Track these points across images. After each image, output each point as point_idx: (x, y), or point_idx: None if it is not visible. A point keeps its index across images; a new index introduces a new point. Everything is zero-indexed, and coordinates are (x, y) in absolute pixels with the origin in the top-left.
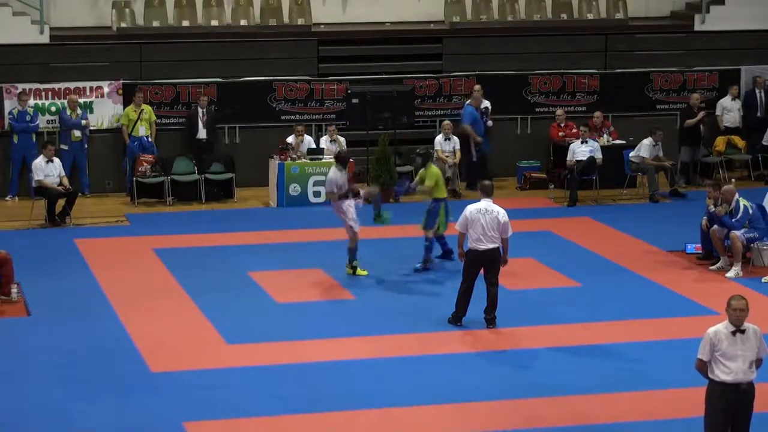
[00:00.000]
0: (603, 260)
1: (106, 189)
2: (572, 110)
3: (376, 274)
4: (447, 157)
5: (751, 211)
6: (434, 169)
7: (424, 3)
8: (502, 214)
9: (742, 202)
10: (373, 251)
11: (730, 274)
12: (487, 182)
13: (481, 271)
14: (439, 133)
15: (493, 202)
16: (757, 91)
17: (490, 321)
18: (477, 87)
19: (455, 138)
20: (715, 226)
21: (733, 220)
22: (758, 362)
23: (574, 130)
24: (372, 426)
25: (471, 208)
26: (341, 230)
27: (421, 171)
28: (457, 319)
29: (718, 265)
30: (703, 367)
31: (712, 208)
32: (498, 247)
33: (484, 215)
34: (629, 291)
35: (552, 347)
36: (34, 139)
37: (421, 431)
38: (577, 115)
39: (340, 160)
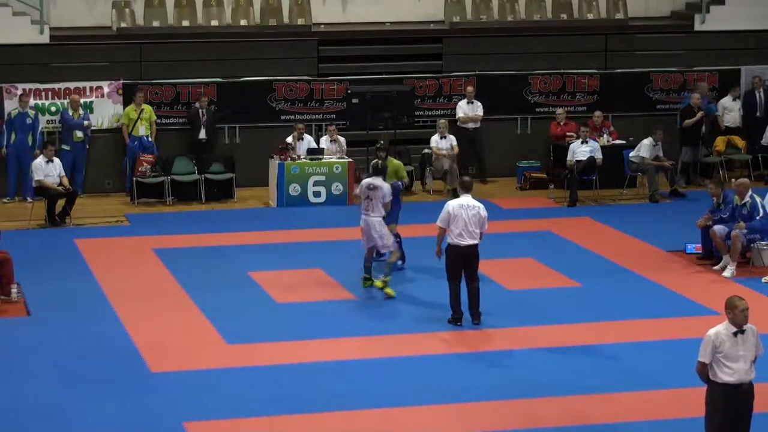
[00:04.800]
0: (603, 260)
1: (106, 189)
2: (572, 110)
3: (376, 274)
4: (443, 153)
5: (761, 211)
6: (394, 161)
7: (424, 3)
8: (482, 209)
9: (758, 199)
10: None
11: (726, 273)
12: (466, 178)
13: None
14: (436, 132)
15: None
16: (756, 91)
17: (476, 317)
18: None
19: (451, 136)
20: (716, 226)
21: (757, 218)
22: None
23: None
24: (372, 426)
25: (453, 204)
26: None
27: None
28: (456, 320)
29: (721, 264)
30: (704, 370)
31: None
32: (477, 244)
33: (466, 210)
34: (629, 291)
35: (552, 347)
36: (30, 142)
37: (421, 431)
38: (577, 115)
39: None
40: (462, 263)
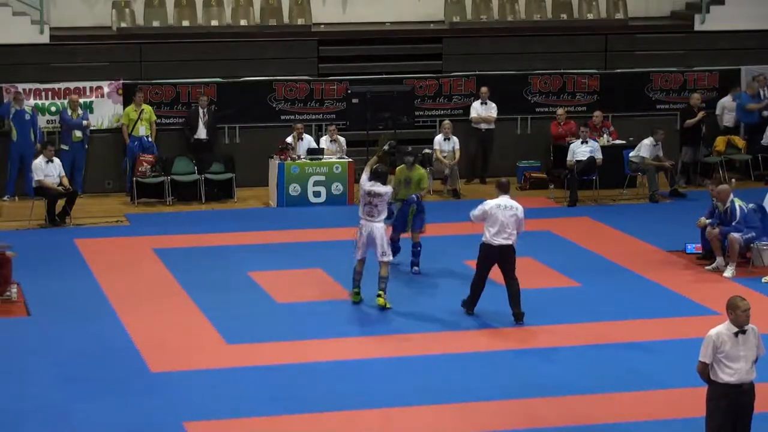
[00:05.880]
0: (603, 260)
1: (106, 189)
2: (572, 110)
3: (375, 274)
4: (445, 157)
5: (746, 210)
6: (420, 170)
7: (424, 3)
8: (520, 211)
9: (738, 203)
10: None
11: (727, 273)
12: (504, 180)
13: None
14: (439, 133)
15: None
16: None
17: (518, 316)
18: (755, 83)
19: (455, 138)
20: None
21: (733, 223)
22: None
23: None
24: (372, 426)
25: (491, 203)
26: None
27: (402, 168)
28: (471, 302)
29: (713, 265)
30: (705, 370)
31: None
32: (512, 245)
33: (503, 211)
34: (629, 291)
35: (552, 347)
36: (32, 139)
37: (421, 431)
38: (577, 115)
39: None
40: (494, 262)
